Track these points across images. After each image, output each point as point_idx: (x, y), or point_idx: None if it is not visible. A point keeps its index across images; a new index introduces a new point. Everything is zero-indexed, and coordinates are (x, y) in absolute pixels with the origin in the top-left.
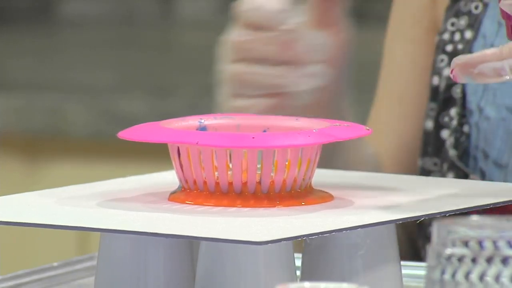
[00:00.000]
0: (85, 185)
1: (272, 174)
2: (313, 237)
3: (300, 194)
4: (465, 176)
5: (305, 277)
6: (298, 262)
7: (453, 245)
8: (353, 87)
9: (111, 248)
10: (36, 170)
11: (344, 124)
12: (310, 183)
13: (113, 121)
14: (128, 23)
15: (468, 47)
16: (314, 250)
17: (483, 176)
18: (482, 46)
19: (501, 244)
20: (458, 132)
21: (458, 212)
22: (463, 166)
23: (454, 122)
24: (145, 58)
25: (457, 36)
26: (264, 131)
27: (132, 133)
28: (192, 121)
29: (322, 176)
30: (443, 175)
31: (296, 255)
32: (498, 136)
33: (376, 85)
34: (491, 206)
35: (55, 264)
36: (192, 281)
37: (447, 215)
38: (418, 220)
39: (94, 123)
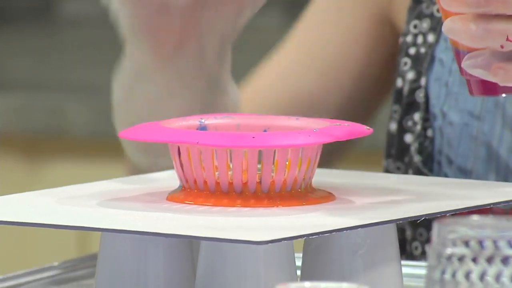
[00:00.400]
0: (85, 185)
1: (272, 174)
2: (313, 237)
3: (301, 194)
4: None
5: (305, 277)
6: (298, 262)
7: (454, 245)
8: None
9: (111, 248)
10: (36, 170)
11: (345, 124)
12: (311, 182)
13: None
14: None
15: (431, 51)
16: (314, 250)
17: None
18: (444, 50)
19: (502, 243)
20: (421, 136)
21: (458, 212)
22: (428, 171)
23: (418, 127)
24: None
25: (419, 39)
26: (265, 130)
27: (132, 133)
28: (192, 121)
29: (322, 176)
30: None
31: (296, 255)
32: (462, 141)
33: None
34: (491, 206)
35: (55, 264)
36: (192, 281)
37: (447, 215)
38: (418, 220)
39: (94, 122)
